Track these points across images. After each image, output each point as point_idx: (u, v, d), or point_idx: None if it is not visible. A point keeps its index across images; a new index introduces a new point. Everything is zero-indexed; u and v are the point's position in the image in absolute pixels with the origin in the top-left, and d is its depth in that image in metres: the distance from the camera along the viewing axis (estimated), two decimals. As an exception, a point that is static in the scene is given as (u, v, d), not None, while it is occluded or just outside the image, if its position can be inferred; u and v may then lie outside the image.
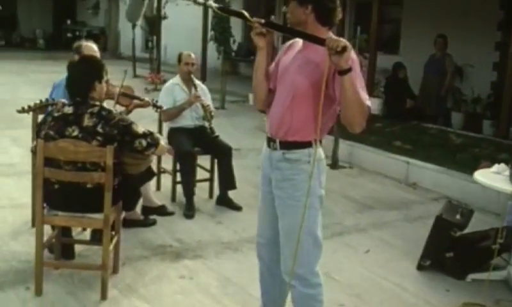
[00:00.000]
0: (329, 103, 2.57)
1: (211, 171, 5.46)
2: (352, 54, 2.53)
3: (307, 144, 2.63)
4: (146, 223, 4.60)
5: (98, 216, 3.30)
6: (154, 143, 3.39)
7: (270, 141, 2.75)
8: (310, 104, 2.57)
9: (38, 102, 3.81)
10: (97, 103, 3.30)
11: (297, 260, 2.71)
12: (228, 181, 5.23)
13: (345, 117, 2.51)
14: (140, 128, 3.37)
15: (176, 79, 5.42)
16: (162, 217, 4.81)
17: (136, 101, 4.64)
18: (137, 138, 3.32)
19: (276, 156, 2.73)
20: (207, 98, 5.42)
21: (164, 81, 14.73)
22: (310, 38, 2.56)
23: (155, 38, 15.53)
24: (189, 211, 4.96)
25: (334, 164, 7.06)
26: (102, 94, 3.41)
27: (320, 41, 2.43)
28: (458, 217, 4.16)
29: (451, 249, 4.08)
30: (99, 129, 3.21)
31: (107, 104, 4.55)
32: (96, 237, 3.69)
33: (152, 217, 4.70)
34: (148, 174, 4.52)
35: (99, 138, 3.20)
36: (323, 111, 2.58)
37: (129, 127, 3.31)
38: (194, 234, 4.56)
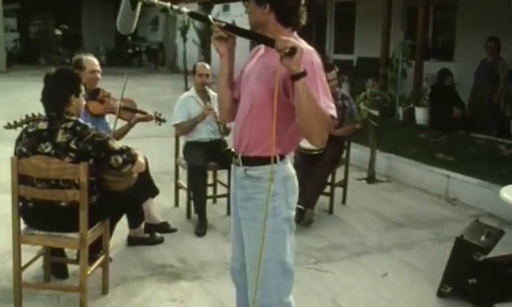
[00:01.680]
0: (291, 113, 2.27)
1: (228, 187, 5.22)
2: (314, 57, 2.24)
3: (270, 160, 2.35)
4: (152, 241, 4.42)
5: (76, 236, 3.14)
6: (131, 160, 3.20)
7: (233, 156, 2.49)
8: (270, 114, 2.28)
9: (24, 117, 3.72)
10: (73, 118, 3.15)
11: (264, 289, 2.44)
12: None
13: (302, 127, 2.22)
14: (117, 144, 3.19)
15: (191, 91, 5.24)
16: (171, 235, 4.63)
17: (138, 115, 4.50)
18: (113, 154, 3.15)
19: (239, 173, 2.46)
20: (223, 110, 5.20)
21: (214, 94, 14.86)
22: (263, 40, 2.29)
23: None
24: (200, 228, 4.75)
25: (371, 178, 6.66)
26: (80, 109, 3.26)
27: (272, 43, 2.16)
28: (483, 238, 3.70)
29: (474, 275, 3.63)
30: (72, 145, 3.05)
31: (109, 118, 4.49)
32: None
33: (160, 235, 4.52)
34: (151, 191, 4.38)
35: (72, 155, 3.05)
36: (286, 123, 2.31)
37: (105, 143, 3.13)
38: (199, 253, 4.34)
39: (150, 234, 4.46)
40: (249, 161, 2.39)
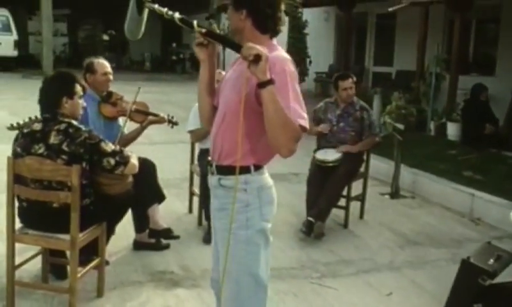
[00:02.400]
0: (263, 122, 2.21)
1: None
2: (288, 66, 2.18)
3: (243, 170, 2.29)
4: (157, 247, 4.41)
5: (67, 237, 3.16)
6: (123, 162, 3.20)
7: (208, 164, 2.46)
8: (243, 123, 2.23)
9: (27, 119, 3.77)
10: (66, 119, 3.17)
11: (237, 304, 2.39)
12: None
13: (269, 137, 2.16)
14: (109, 147, 3.20)
15: (207, 98, 5.23)
16: (177, 241, 4.62)
17: (150, 117, 4.50)
18: (105, 157, 3.16)
19: (213, 182, 2.42)
20: (239, 118, 5.18)
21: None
22: (233, 47, 2.24)
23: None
24: (207, 235, 4.71)
25: (394, 193, 6.48)
26: (75, 111, 3.27)
27: (239, 49, 2.12)
28: (491, 261, 3.51)
29: (480, 300, 3.44)
30: (64, 147, 3.08)
31: (123, 121, 4.52)
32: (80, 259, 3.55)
33: (166, 241, 4.51)
34: (157, 196, 4.38)
35: (64, 157, 3.07)
36: (260, 132, 2.25)
37: (97, 145, 3.14)
38: (203, 261, 4.29)
39: (155, 239, 4.46)
40: (223, 170, 2.35)
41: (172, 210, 5.43)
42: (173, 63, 23.87)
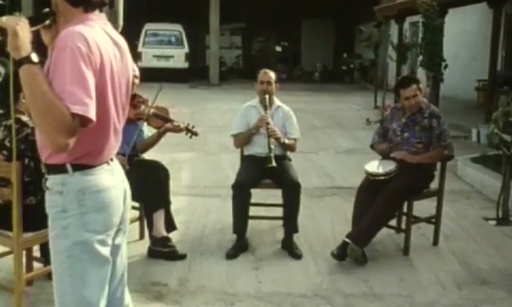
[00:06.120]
0: None
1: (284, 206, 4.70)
2: (72, 42, 1.79)
3: (60, 169, 1.94)
4: (171, 256, 4.14)
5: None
6: None
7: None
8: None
9: None
10: (17, 115, 3.09)
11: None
12: (288, 222, 4.43)
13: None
14: None
15: (254, 101, 4.87)
16: (198, 253, 4.34)
17: (168, 124, 4.27)
18: None
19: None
20: (288, 123, 4.72)
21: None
22: None
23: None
24: (232, 250, 4.33)
25: (501, 219, 5.34)
26: None
27: None
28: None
29: None
30: (6, 143, 3.03)
31: (146, 126, 4.38)
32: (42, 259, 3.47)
33: (182, 252, 4.23)
34: (163, 201, 4.16)
35: (5, 152, 3.02)
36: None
37: None
38: (206, 277, 3.94)
39: (169, 249, 4.19)
40: (46, 168, 2.02)
41: (220, 218, 5.14)
42: (342, 73, 23.42)
